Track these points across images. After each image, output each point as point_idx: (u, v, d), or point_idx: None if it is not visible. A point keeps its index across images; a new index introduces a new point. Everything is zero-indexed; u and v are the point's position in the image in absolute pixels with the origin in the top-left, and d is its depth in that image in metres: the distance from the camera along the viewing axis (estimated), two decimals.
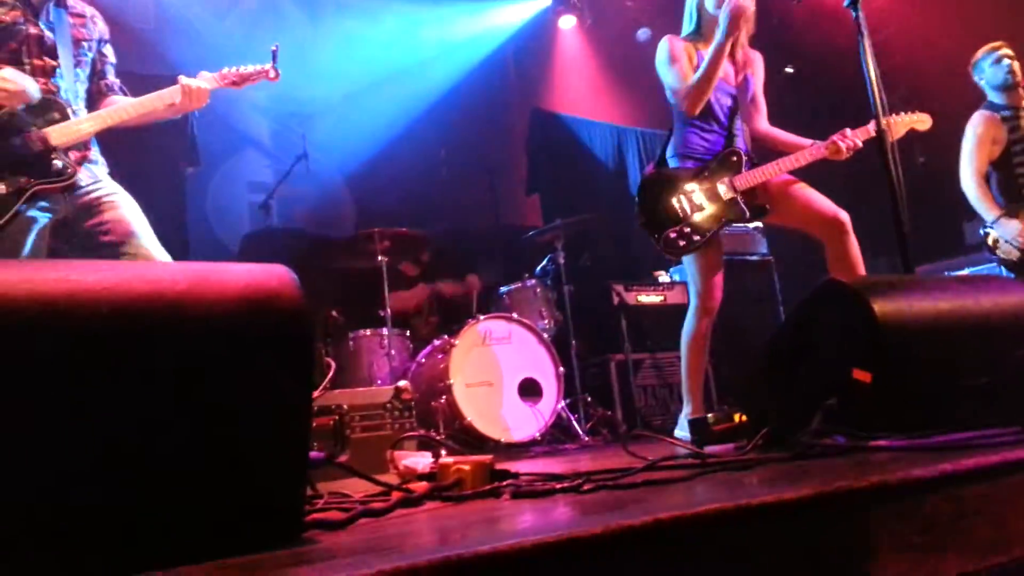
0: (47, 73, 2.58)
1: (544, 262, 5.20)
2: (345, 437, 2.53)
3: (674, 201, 3.26)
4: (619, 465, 1.67)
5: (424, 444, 2.89)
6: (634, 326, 5.06)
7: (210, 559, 1.05)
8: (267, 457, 1.15)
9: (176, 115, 2.80)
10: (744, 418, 2.15)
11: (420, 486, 1.62)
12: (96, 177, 2.65)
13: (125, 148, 3.00)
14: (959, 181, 4.26)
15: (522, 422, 4.16)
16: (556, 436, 4.31)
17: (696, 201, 3.24)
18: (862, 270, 3.15)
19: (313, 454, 1.46)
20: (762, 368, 2.11)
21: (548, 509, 1.29)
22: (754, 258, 5.55)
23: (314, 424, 2.43)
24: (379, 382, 4.44)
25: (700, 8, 3.38)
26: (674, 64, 3.30)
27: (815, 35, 6.71)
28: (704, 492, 1.28)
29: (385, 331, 4.54)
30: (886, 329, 1.68)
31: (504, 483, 1.57)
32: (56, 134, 2.50)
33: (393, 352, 4.51)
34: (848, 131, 3.20)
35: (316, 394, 2.44)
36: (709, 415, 2.29)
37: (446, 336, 4.33)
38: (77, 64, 2.68)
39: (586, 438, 4.28)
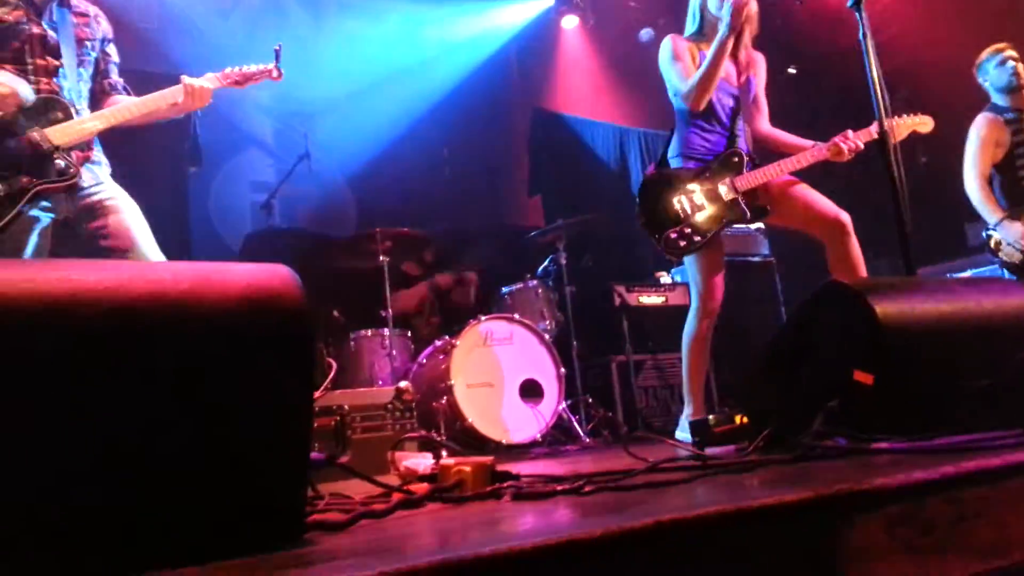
0: (50, 73, 2.57)
1: (546, 263, 5.20)
2: (346, 438, 2.53)
3: (675, 201, 3.26)
4: (620, 467, 1.67)
5: (425, 445, 2.89)
6: (635, 327, 5.06)
7: (211, 559, 1.05)
8: (268, 457, 1.15)
9: (179, 115, 2.80)
10: (745, 419, 2.15)
11: (421, 487, 1.62)
12: (98, 179, 2.64)
13: (128, 147, 3.01)
14: (961, 183, 4.26)
15: (523, 423, 4.15)
16: (557, 437, 4.30)
17: (697, 201, 3.24)
18: (863, 271, 3.15)
19: (314, 455, 1.46)
20: (763, 369, 2.11)
21: (549, 511, 1.29)
22: (756, 259, 5.55)
23: (315, 425, 2.43)
24: (380, 383, 4.44)
25: (703, 9, 3.38)
26: (677, 61, 3.30)
27: (818, 36, 6.71)
28: (705, 494, 1.28)
29: (386, 331, 4.53)
30: (888, 331, 1.68)
31: (505, 485, 1.57)
32: (59, 134, 2.49)
33: (394, 352, 4.51)
34: (850, 133, 3.20)
35: (317, 395, 2.44)
36: (710, 416, 2.29)
37: (447, 337, 4.33)
38: (80, 63, 2.68)
39: (587, 439, 4.27)
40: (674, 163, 3.37)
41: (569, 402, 4.47)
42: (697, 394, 3.31)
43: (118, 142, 2.79)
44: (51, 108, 2.51)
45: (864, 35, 2.73)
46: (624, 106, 7.65)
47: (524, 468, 2.05)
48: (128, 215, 2.62)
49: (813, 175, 3.31)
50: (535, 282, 4.89)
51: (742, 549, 0.97)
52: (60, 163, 2.48)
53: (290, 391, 1.17)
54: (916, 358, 1.70)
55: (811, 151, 3.24)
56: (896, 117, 3.24)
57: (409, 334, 4.82)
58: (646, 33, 7.26)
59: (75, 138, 2.53)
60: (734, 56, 3.34)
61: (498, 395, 4.19)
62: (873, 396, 1.69)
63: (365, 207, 6.60)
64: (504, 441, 4.02)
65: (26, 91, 2.47)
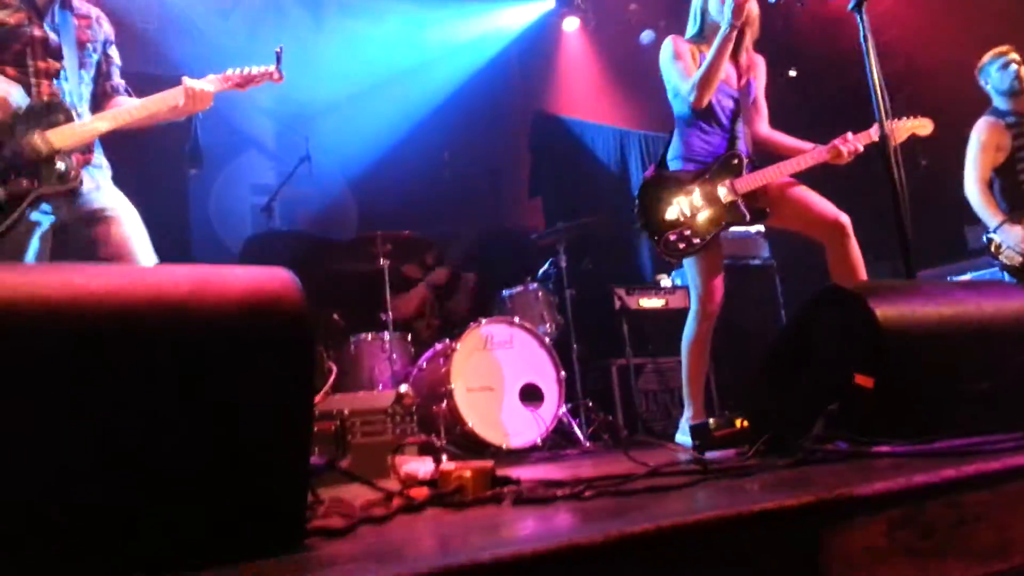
0: (51, 75, 2.57)
1: (546, 266, 5.19)
2: (346, 442, 2.53)
3: (674, 204, 3.26)
4: (621, 471, 1.67)
5: (425, 449, 2.89)
6: (636, 330, 5.05)
7: (211, 560, 1.05)
8: (268, 460, 1.15)
9: (179, 117, 2.78)
10: (745, 423, 2.14)
11: (421, 492, 1.62)
12: (98, 184, 2.62)
13: (128, 150, 3.00)
14: (961, 185, 4.26)
15: (523, 427, 4.14)
16: (557, 441, 4.29)
17: (696, 204, 3.24)
18: (863, 273, 3.15)
19: (314, 459, 1.46)
20: (763, 372, 2.11)
21: (549, 516, 1.29)
22: (756, 262, 5.54)
23: (316, 429, 2.43)
24: (380, 386, 4.43)
25: (704, 11, 3.38)
26: (679, 61, 3.31)
27: (818, 38, 6.71)
28: (706, 498, 1.28)
29: (387, 335, 4.53)
30: (888, 334, 1.68)
31: (505, 489, 1.57)
32: (59, 137, 2.48)
33: (395, 356, 4.50)
34: (850, 135, 3.21)
35: (318, 399, 2.44)
36: (710, 420, 2.28)
37: (448, 340, 4.32)
38: (82, 66, 2.67)
39: (587, 443, 4.27)
40: (673, 165, 3.37)
41: (569, 406, 4.46)
42: (697, 397, 3.31)
43: (118, 144, 2.79)
44: (52, 111, 2.50)
45: (865, 37, 2.73)
46: (625, 108, 7.65)
47: (524, 472, 2.04)
48: (127, 225, 2.59)
49: (813, 177, 3.31)
50: (535, 285, 4.89)
51: (743, 554, 0.97)
52: (60, 166, 2.46)
53: (290, 394, 1.17)
54: (916, 361, 1.70)
55: (811, 153, 3.24)
56: (896, 120, 3.24)
57: (409, 337, 4.82)
58: (647, 35, 7.27)
59: (76, 141, 2.52)
60: (734, 58, 3.34)
61: (498, 399, 4.18)
62: (873, 399, 1.69)
63: (366, 209, 6.60)
64: (504, 445, 4.01)
65: (19, 96, 2.45)
